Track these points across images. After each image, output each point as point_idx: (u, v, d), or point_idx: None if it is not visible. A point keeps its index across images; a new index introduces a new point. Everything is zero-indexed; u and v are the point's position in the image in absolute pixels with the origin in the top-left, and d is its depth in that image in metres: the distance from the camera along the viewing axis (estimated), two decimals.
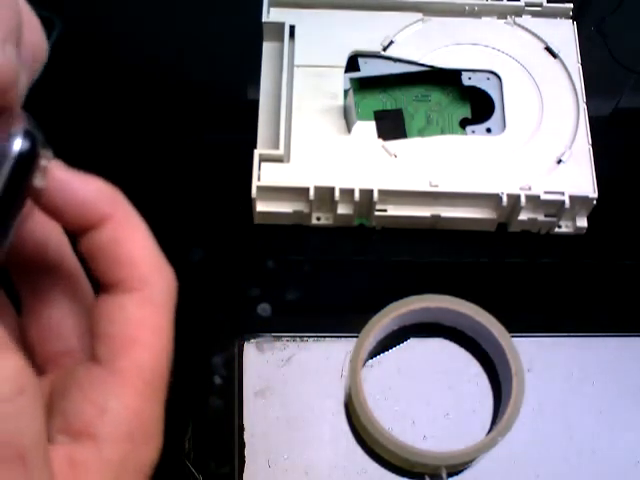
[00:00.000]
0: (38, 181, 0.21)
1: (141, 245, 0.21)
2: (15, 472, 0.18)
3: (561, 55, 0.53)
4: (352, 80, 0.52)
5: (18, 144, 0.20)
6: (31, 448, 0.18)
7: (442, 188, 0.48)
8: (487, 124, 0.51)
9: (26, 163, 0.21)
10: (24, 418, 0.18)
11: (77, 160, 0.57)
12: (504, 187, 0.48)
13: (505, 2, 0.54)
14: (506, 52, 0.53)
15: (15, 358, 0.18)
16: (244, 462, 0.43)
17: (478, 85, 0.52)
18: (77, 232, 0.21)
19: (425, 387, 0.45)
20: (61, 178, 0.21)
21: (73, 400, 0.21)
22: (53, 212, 0.21)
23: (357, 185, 0.47)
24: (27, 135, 0.21)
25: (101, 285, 0.21)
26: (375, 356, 0.46)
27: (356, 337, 0.44)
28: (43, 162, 0.21)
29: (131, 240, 0.21)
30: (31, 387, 0.18)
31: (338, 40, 0.52)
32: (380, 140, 0.49)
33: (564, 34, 0.54)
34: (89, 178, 0.21)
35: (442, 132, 0.51)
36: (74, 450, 0.20)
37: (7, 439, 0.18)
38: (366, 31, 0.53)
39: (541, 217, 0.48)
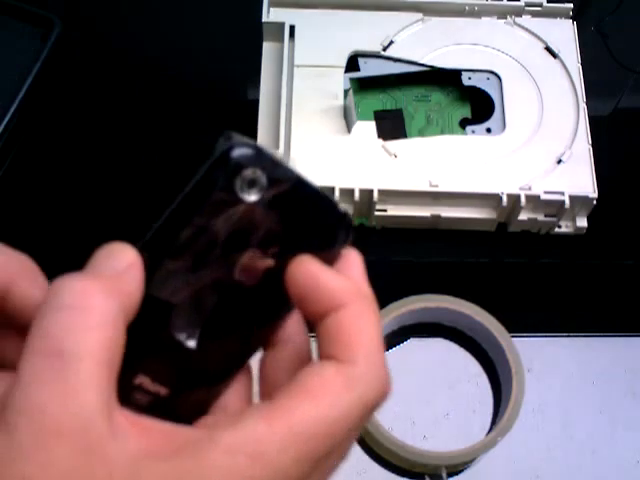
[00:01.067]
0: (247, 195, 0.23)
1: (362, 340, 0.23)
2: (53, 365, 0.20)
3: (561, 55, 0.53)
4: (352, 80, 0.52)
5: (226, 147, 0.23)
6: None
7: (442, 188, 0.48)
8: (487, 124, 0.51)
9: (233, 167, 0.23)
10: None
11: (77, 160, 0.56)
12: (504, 187, 0.48)
13: (505, 2, 0.54)
14: (506, 52, 0.53)
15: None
16: None
17: (478, 85, 0.52)
18: (313, 314, 0.23)
19: (425, 387, 0.45)
20: (311, 269, 0.23)
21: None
22: (299, 297, 0.23)
23: (357, 185, 0.47)
24: (242, 145, 0.23)
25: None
26: None
27: None
28: (257, 177, 0.23)
29: (353, 331, 0.23)
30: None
31: (338, 40, 0.52)
32: (380, 140, 0.49)
33: (564, 34, 0.54)
34: (335, 272, 0.24)
35: (442, 132, 0.51)
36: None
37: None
38: (366, 31, 0.53)
39: (541, 217, 0.48)
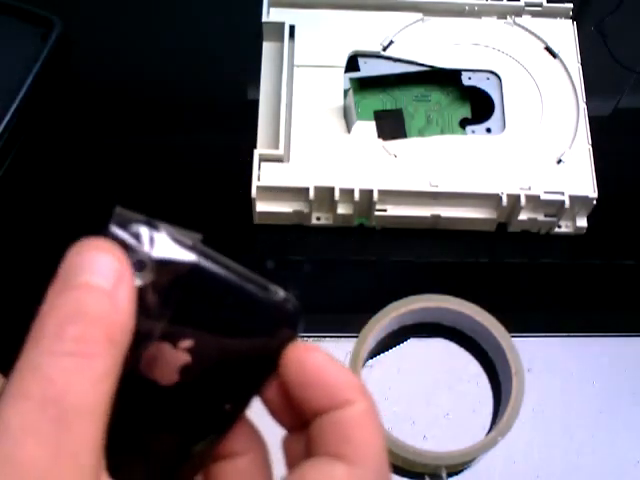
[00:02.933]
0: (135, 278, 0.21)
1: (372, 441, 0.22)
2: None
3: (561, 55, 0.53)
4: (352, 80, 0.52)
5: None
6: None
7: (442, 188, 0.48)
8: (487, 124, 0.51)
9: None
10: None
11: (77, 160, 0.57)
12: (504, 187, 0.48)
13: (505, 2, 0.54)
14: (506, 52, 0.53)
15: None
16: None
17: (478, 85, 0.52)
18: (312, 408, 0.22)
19: (425, 387, 0.45)
20: (319, 362, 0.22)
21: None
22: (301, 389, 0.22)
23: (357, 185, 0.47)
24: (125, 223, 0.21)
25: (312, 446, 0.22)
26: (375, 356, 0.46)
27: (356, 337, 0.44)
28: (140, 259, 0.21)
29: (363, 430, 0.22)
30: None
31: (338, 40, 0.52)
32: (380, 140, 0.49)
33: (564, 34, 0.54)
34: (341, 366, 0.23)
35: (442, 132, 0.51)
36: None
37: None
38: (366, 31, 0.53)
39: (541, 217, 0.48)
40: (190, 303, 0.21)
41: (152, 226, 0.21)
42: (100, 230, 0.21)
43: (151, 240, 0.21)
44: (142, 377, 0.21)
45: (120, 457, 0.21)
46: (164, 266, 0.21)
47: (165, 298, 0.21)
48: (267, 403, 0.23)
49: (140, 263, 0.21)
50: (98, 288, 0.20)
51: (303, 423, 0.23)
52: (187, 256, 0.21)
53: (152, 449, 0.22)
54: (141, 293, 0.21)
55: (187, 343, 0.21)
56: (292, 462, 0.24)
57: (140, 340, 0.21)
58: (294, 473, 0.22)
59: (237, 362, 0.22)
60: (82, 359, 0.19)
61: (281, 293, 0.22)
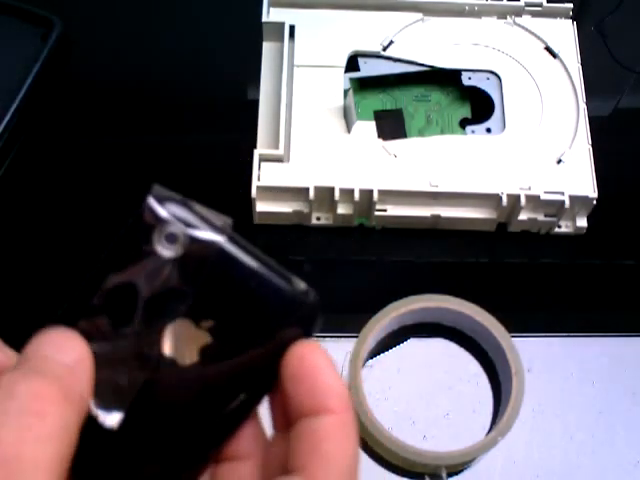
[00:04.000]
0: (165, 250, 0.21)
1: (339, 454, 0.22)
2: None
3: (561, 55, 0.53)
4: (352, 80, 0.52)
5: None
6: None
7: (442, 188, 0.48)
8: (487, 124, 0.51)
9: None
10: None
11: (77, 160, 0.56)
12: (504, 187, 0.48)
13: (505, 2, 0.54)
14: (506, 52, 0.53)
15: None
16: None
17: (478, 85, 0.52)
18: (296, 408, 0.22)
19: (425, 387, 0.45)
20: (317, 362, 0.22)
21: None
22: (291, 383, 0.22)
23: (357, 185, 0.47)
24: (164, 199, 0.22)
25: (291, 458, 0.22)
26: (375, 356, 0.46)
27: (356, 337, 0.44)
28: (174, 232, 0.22)
29: (333, 443, 0.22)
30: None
31: (338, 40, 0.52)
32: (380, 140, 0.49)
33: (564, 34, 0.54)
34: (337, 374, 0.22)
35: (442, 132, 0.51)
36: None
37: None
38: (366, 31, 0.53)
39: (541, 217, 0.48)
40: (214, 284, 0.22)
41: (186, 205, 0.22)
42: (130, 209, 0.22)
43: (184, 217, 0.22)
44: (161, 353, 0.21)
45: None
46: (193, 243, 0.21)
47: (191, 275, 0.21)
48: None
49: (172, 236, 0.21)
50: (57, 359, 0.21)
51: (287, 423, 0.23)
52: (215, 237, 0.22)
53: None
54: (169, 264, 0.21)
55: (209, 323, 0.21)
56: (267, 464, 0.23)
57: (164, 315, 0.21)
58: None
59: (255, 349, 0.22)
60: (31, 418, 0.19)
61: (302, 286, 0.22)
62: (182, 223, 0.21)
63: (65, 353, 0.21)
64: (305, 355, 0.22)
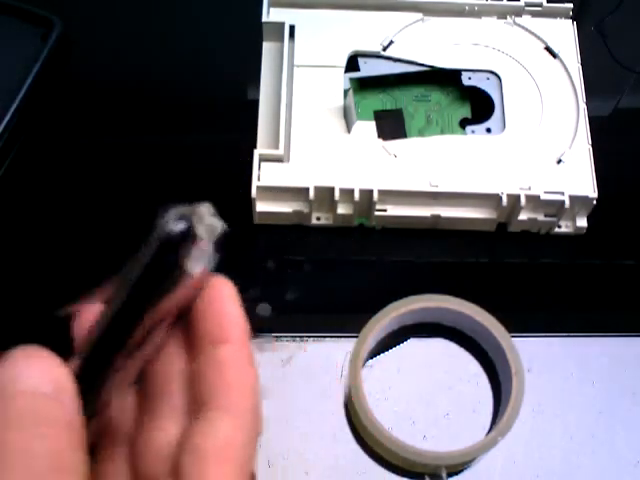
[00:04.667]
0: (190, 265, 0.22)
1: (242, 381, 0.23)
2: None
3: (561, 55, 0.53)
4: (352, 80, 0.52)
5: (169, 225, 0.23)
6: None
7: (442, 188, 0.48)
8: (487, 124, 0.51)
9: (173, 243, 0.22)
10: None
11: (77, 160, 0.56)
12: (504, 187, 0.48)
13: (505, 2, 0.54)
14: (506, 52, 0.53)
15: None
16: None
17: (478, 85, 0.52)
18: (200, 335, 0.24)
19: (425, 387, 0.45)
20: (224, 294, 0.24)
21: None
22: (199, 312, 0.24)
23: (357, 185, 0.47)
24: (181, 218, 0.23)
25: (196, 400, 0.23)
26: (375, 356, 0.46)
27: (356, 337, 0.44)
28: (198, 250, 0.22)
29: (236, 368, 0.23)
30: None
31: (338, 40, 0.52)
32: (380, 140, 0.49)
33: (564, 34, 0.54)
34: (240, 310, 0.24)
35: (442, 132, 0.51)
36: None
37: None
38: (366, 31, 0.53)
39: (541, 217, 0.48)
40: None
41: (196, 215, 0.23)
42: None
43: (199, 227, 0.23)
44: None
45: None
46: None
47: None
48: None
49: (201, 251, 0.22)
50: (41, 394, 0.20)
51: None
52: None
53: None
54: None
55: None
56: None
57: None
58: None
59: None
60: None
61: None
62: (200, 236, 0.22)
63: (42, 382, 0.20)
64: (216, 285, 0.24)
